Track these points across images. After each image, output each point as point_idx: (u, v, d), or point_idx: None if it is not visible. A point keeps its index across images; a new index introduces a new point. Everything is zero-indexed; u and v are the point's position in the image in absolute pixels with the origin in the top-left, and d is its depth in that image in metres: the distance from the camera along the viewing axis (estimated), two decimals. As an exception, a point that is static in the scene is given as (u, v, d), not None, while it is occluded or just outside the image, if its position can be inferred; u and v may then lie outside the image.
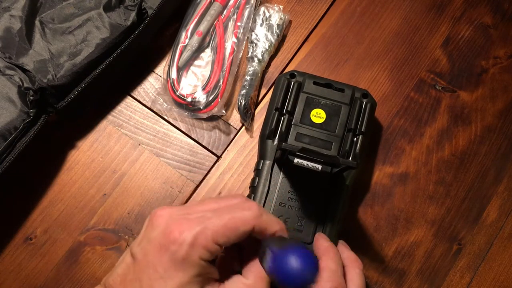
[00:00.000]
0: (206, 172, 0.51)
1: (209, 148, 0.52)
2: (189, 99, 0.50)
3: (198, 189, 0.51)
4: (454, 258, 0.49)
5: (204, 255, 0.33)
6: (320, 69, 0.54)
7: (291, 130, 0.47)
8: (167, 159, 0.51)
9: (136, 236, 0.37)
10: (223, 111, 0.51)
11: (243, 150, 0.52)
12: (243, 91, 0.51)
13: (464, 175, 0.52)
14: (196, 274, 0.33)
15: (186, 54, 0.52)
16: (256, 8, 0.53)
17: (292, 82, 0.48)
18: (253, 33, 0.53)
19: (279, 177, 0.46)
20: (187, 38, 0.52)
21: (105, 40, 0.48)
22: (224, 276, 0.35)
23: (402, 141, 0.52)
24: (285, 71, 0.54)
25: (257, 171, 0.46)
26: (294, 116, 0.47)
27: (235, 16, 0.53)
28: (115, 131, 0.52)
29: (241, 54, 0.53)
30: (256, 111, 0.53)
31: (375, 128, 0.52)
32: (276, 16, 0.53)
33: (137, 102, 0.53)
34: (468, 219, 0.51)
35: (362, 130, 0.47)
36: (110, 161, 0.51)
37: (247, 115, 0.51)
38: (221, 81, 0.51)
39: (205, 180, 0.51)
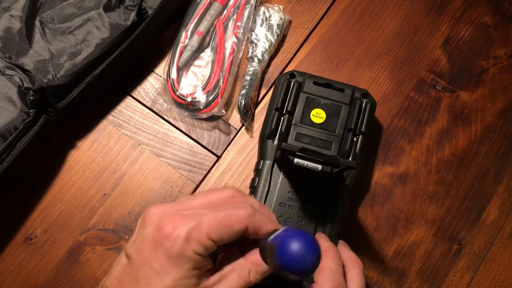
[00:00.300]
0: (206, 172, 0.51)
1: (209, 148, 0.52)
2: (189, 99, 0.50)
3: (198, 189, 0.51)
4: (454, 258, 0.49)
5: (199, 250, 0.33)
6: (320, 69, 0.54)
7: (291, 130, 0.47)
8: (167, 159, 0.51)
9: None
10: (223, 111, 0.51)
11: (243, 150, 0.52)
12: (243, 91, 0.51)
13: (464, 175, 0.52)
14: (192, 268, 0.33)
15: (186, 54, 0.52)
16: (256, 8, 0.53)
17: (292, 82, 0.48)
18: (253, 33, 0.53)
19: (279, 177, 0.46)
20: (187, 38, 0.52)
21: (105, 40, 0.48)
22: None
23: (402, 141, 0.52)
24: (285, 71, 0.54)
25: (257, 171, 0.46)
26: (294, 116, 0.47)
27: (235, 16, 0.53)
28: (115, 131, 0.52)
29: (241, 54, 0.53)
30: (256, 111, 0.53)
31: (375, 128, 0.52)
32: (276, 16, 0.53)
33: (137, 102, 0.53)
34: (468, 219, 0.51)
35: (362, 130, 0.47)
36: (110, 161, 0.51)
37: (247, 115, 0.51)
38: (221, 81, 0.51)
39: (205, 180, 0.51)
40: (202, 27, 0.52)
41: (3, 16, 0.48)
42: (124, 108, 0.52)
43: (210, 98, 0.50)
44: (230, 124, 0.52)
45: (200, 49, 0.53)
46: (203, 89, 0.51)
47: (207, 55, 0.53)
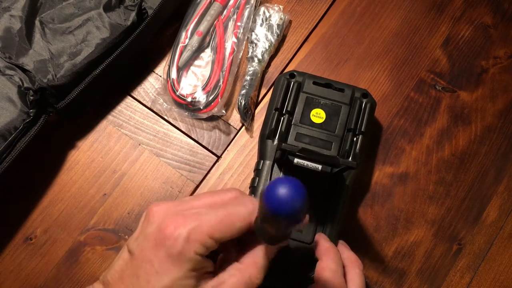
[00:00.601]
0: (206, 172, 0.51)
1: (209, 148, 0.52)
2: (189, 99, 0.50)
3: (198, 189, 0.51)
4: (454, 258, 0.49)
5: (200, 250, 0.33)
6: (320, 69, 0.54)
7: (291, 130, 0.47)
8: (167, 159, 0.51)
9: None
10: (223, 111, 0.51)
11: (243, 150, 0.52)
12: (243, 91, 0.51)
13: (464, 175, 0.52)
14: (191, 268, 0.33)
15: (186, 54, 0.52)
16: (256, 8, 0.53)
17: (292, 82, 0.48)
18: (253, 33, 0.53)
19: (279, 177, 0.45)
20: (187, 38, 0.52)
21: (105, 40, 0.48)
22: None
23: (402, 141, 0.52)
24: (285, 71, 0.54)
25: (257, 171, 0.46)
26: (294, 116, 0.47)
27: (235, 16, 0.53)
28: (115, 131, 0.52)
29: (241, 54, 0.53)
30: (256, 111, 0.53)
31: (375, 128, 0.52)
32: (276, 16, 0.53)
33: (137, 102, 0.53)
34: (468, 219, 0.50)
35: (362, 130, 0.47)
36: (110, 161, 0.51)
37: (247, 115, 0.51)
38: (221, 81, 0.51)
39: (205, 180, 0.51)
40: (202, 27, 0.52)
41: (3, 16, 0.48)
42: (124, 108, 0.52)
43: (210, 98, 0.50)
44: (230, 124, 0.52)
45: (200, 49, 0.53)
46: (203, 89, 0.51)
47: (207, 55, 0.53)
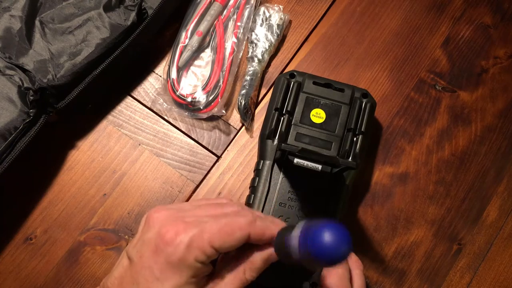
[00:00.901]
0: (206, 172, 0.51)
1: (209, 148, 0.52)
2: (189, 99, 0.50)
3: (198, 189, 0.51)
4: (454, 258, 0.49)
5: (200, 257, 0.32)
6: (320, 69, 0.54)
7: (291, 130, 0.47)
8: (167, 159, 0.51)
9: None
10: (223, 111, 0.51)
11: (243, 150, 0.52)
12: (243, 91, 0.51)
13: (464, 175, 0.52)
14: (192, 275, 0.33)
15: (186, 54, 0.52)
16: (256, 8, 0.53)
17: (292, 82, 0.48)
18: (253, 33, 0.53)
19: (279, 177, 0.46)
20: (187, 38, 0.52)
21: (105, 40, 0.48)
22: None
23: (402, 141, 0.52)
24: (285, 71, 0.54)
25: (257, 171, 0.46)
26: (294, 116, 0.47)
27: (235, 16, 0.53)
28: (115, 131, 0.52)
29: (241, 54, 0.53)
30: (256, 111, 0.53)
31: (375, 128, 0.52)
32: (276, 16, 0.53)
33: (137, 102, 0.53)
34: (468, 219, 0.50)
35: (362, 130, 0.47)
36: (110, 161, 0.51)
37: (247, 115, 0.51)
38: (221, 81, 0.51)
39: (205, 180, 0.51)
40: (202, 27, 0.52)
41: (3, 16, 0.48)
42: (124, 108, 0.52)
43: (210, 98, 0.50)
44: (230, 124, 0.52)
45: (200, 49, 0.53)
46: (203, 89, 0.51)
47: (207, 55, 0.53)
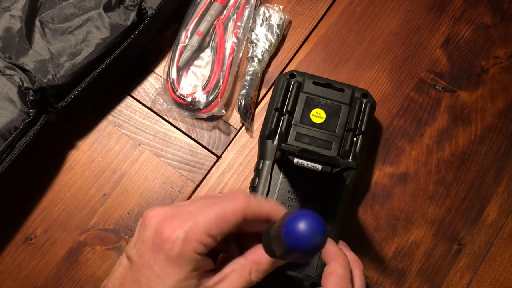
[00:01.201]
0: (206, 172, 0.51)
1: (209, 148, 0.52)
2: (189, 99, 0.50)
3: (198, 189, 0.51)
4: (454, 258, 0.49)
5: (199, 249, 0.33)
6: (320, 69, 0.54)
7: (291, 130, 0.47)
8: (167, 159, 0.51)
9: None
10: (223, 111, 0.51)
11: (243, 150, 0.52)
12: (243, 91, 0.51)
13: (464, 175, 0.52)
14: (192, 269, 0.33)
15: (186, 54, 0.52)
16: (256, 8, 0.53)
17: (292, 82, 0.48)
18: (253, 33, 0.53)
19: (279, 177, 0.46)
20: (187, 38, 0.52)
21: (105, 40, 0.48)
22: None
23: (402, 141, 0.52)
24: (285, 71, 0.54)
25: (257, 171, 0.46)
26: (294, 116, 0.47)
27: (235, 16, 0.53)
28: (115, 131, 0.52)
29: (241, 54, 0.53)
30: (256, 111, 0.53)
31: (375, 128, 0.52)
32: (276, 16, 0.53)
33: (137, 102, 0.53)
34: (468, 219, 0.51)
35: (362, 130, 0.47)
36: (110, 161, 0.51)
37: (247, 115, 0.51)
38: (221, 81, 0.51)
39: (205, 180, 0.51)
40: (202, 27, 0.52)
41: (3, 16, 0.48)
42: (124, 108, 0.52)
43: (210, 98, 0.50)
44: (230, 124, 0.52)
45: (200, 49, 0.53)
46: (203, 89, 0.51)
47: (207, 55, 0.53)
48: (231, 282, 0.34)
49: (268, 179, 0.45)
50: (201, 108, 0.50)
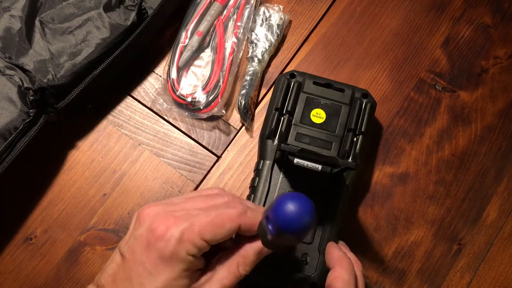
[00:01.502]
0: (206, 172, 0.51)
1: (209, 148, 0.52)
2: (189, 99, 0.50)
3: (198, 189, 0.51)
4: (454, 258, 0.50)
5: (192, 250, 0.33)
6: (320, 69, 0.54)
7: (291, 130, 0.47)
8: (167, 159, 0.51)
9: None
10: (223, 111, 0.51)
11: (243, 150, 0.52)
12: (243, 91, 0.51)
13: (464, 175, 0.52)
14: (184, 269, 0.33)
15: (186, 54, 0.52)
16: (256, 8, 0.53)
17: (292, 82, 0.48)
18: (253, 33, 0.53)
19: (279, 177, 0.46)
20: (187, 38, 0.52)
21: (105, 40, 0.48)
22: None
23: (402, 141, 0.52)
24: (285, 71, 0.54)
25: (257, 171, 0.46)
26: (294, 116, 0.47)
27: (235, 16, 0.53)
28: (115, 131, 0.52)
29: (241, 54, 0.53)
30: (256, 111, 0.53)
31: (375, 128, 0.52)
32: (276, 16, 0.53)
33: (137, 102, 0.53)
34: (468, 219, 0.51)
35: (362, 130, 0.47)
36: (110, 161, 0.51)
37: (247, 115, 0.51)
38: (221, 81, 0.51)
39: (205, 180, 0.51)
40: (202, 27, 0.52)
41: (3, 16, 0.48)
42: (124, 108, 0.52)
43: (210, 98, 0.50)
44: (230, 124, 0.52)
45: (200, 49, 0.53)
46: (203, 89, 0.51)
47: (207, 55, 0.53)
48: (221, 278, 0.35)
49: (268, 179, 0.45)
50: (201, 108, 0.50)
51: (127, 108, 0.52)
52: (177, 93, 0.51)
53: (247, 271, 0.35)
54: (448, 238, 0.50)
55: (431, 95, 0.54)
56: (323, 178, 0.45)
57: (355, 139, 0.47)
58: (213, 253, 0.37)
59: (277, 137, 0.47)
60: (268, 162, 0.46)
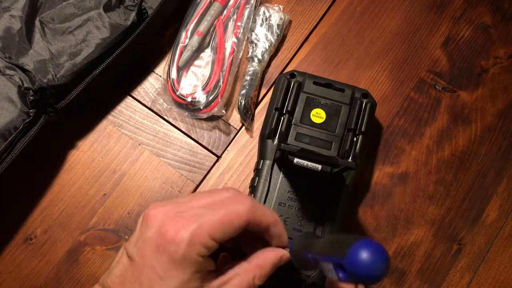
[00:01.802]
0: (206, 172, 0.51)
1: (209, 148, 0.52)
2: (189, 99, 0.50)
3: (198, 189, 0.51)
4: (454, 258, 0.49)
5: (202, 251, 0.33)
6: (320, 69, 0.54)
7: (291, 130, 0.47)
8: (167, 159, 0.51)
9: None
10: (223, 111, 0.51)
11: (243, 150, 0.52)
12: (243, 91, 0.51)
13: (464, 175, 0.52)
14: (195, 271, 0.33)
15: (186, 54, 0.52)
16: (256, 8, 0.53)
17: (292, 82, 0.48)
18: (253, 33, 0.53)
19: (279, 177, 0.46)
20: (187, 38, 0.52)
21: (105, 40, 0.48)
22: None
23: (402, 141, 0.52)
24: (285, 71, 0.54)
25: (257, 171, 0.46)
26: (294, 116, 0.47)
27: (235, 16, 0.53)
28: (115, 131, 0.52)
29: (241, 54, 0.53)
30: (256, 111, 0.53)
31: (375, 128, 0.52)
32: (276, 16, 0.53)
33: (137, 102, 0.53)
34: (468, 219, 0.50)
35: (362, 130, 0.47)
36: (110, 161, 0.51)
37: (247, 115, 0.51)
38: (221, 81, 0.51)
39: (205, 180, 0.51)
40: (202, 27, 0.52)
41: (3, 16, 0.48)
42: (124, 108, 0.52)
43: (210, 98, 0.50)
44: (230, 124, 0.52)
45: (200, 49, 0.53)
46: (203, 89, 0.51)
47: (207, 55, 0.53)
48: (235, 286, 0.34)
49: (268, 179, 0.45)
50: (201, 108, 0.50)
51: (127, 108, 0.52)
52: (177, 93, 0.51)
53: (261, 282, 0.35)
54: (448, 238, 0.50)
55: (431, 95, 0.54)
56: (323, 178, 0.45)
57: (355, 139, 0.47)
58: (218, 251, 0.37)
59: (277, 137, 0.47)
60: (268, 162, 0.46)
